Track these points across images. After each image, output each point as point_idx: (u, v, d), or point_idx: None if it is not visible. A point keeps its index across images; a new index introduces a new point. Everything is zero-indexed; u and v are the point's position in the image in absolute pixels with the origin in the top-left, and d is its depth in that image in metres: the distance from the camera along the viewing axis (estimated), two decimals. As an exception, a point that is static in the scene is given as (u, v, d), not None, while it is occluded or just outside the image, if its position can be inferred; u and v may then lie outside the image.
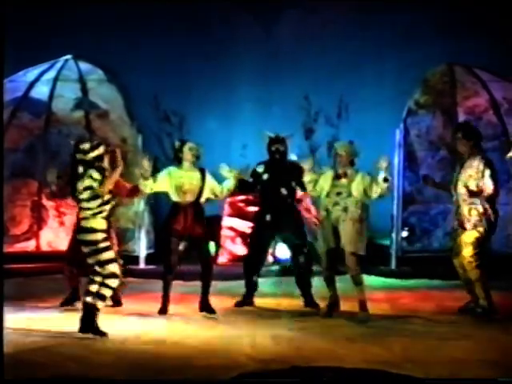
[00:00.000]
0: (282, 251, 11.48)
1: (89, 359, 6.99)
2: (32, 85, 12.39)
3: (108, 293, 7.76)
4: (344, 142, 8.85)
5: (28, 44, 12.48)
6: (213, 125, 12.85)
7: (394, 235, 11.77)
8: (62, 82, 12.49)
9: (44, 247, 12.08)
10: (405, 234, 11.90)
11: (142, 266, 11.98)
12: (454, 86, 12.00)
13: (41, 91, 12.39)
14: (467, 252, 8.39)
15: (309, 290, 9.19)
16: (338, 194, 8.55)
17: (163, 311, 8.65)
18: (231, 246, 12.29)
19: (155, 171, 8.63)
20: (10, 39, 12.09)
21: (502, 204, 11.45)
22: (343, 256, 8.56)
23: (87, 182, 7.70)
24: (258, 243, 9.27)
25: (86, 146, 7.85)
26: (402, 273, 11.28)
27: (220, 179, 8.83)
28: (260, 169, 9.27)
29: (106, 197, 7.76)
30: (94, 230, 7.72)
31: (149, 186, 8.64)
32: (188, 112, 12.76)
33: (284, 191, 9.08)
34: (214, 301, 9.00)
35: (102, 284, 7.72)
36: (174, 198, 8.70)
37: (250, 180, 9.16)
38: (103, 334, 7.63)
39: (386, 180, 8.35)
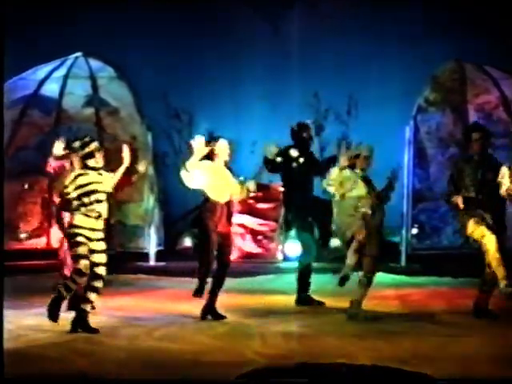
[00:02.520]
0: (292, 249, 11.51)
1: (99, 355, 7.03)
2: (42, 82, 12.43)
3: (73, 286, 7.72)
4: (364, 144, 8.73)
5: (38, 41, 12.52)
6: (222, 122, 12.87)
7: (403, 232, 11.79)
8: (73, 79, 12.53)
9: (55, 244, 12.14)
10: (415, 231, 11.91)
11: (151, 262, 12.02)
12: (463, 84, 11.99)
13: (51, 89, 12.43)
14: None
15: (307, 290, 9.17)
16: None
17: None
18: (241, 243, 12.31)
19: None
20: (20, 37, 12.24)
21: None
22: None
23: (76, 181, 7.66)
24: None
25: (77, 143, 7.85)
26: (411, 270, 11.30)
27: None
28: (294, 153, 9.09)
29: (97, 196, 7.70)
30: (73, 226, 7.70)
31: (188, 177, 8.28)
32: (197, 109, 12.80)
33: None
34: (225, 297, 9.02)
35: (70, 277, 7.75)
36: (210, 195, 8.37)
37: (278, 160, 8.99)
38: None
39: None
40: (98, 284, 7.82)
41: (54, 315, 7.75)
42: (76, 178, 7.74)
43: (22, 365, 6.71)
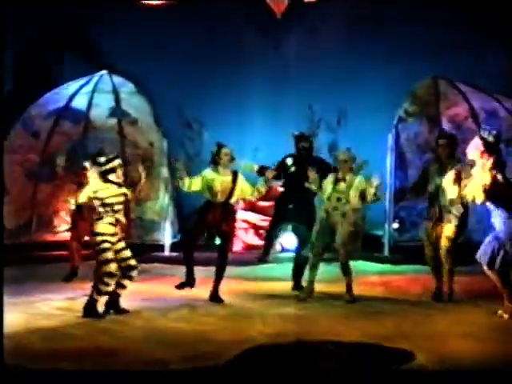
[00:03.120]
0: (289, 241, 11.50)
1: (119, 333, 7.07)
2: (72, 97, 12.42)
3: (104, 289, 7.66)
4: (344, 149, 8.79)
5: (70, 60, 12.54)
6: (228, 130, 12.86)
7: (386, 227, 11.79)
8: (98, 93, 12.52)
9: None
10: (396, 225, 11.90)
11: (166, 253, 12.02)
12: (438, 98, 11.98)
13: (80, 102, 12.43)
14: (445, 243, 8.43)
15: (301, 277, 9.11)
16: (339, 199, 8.50)
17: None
18: (245, 237, 12.32)
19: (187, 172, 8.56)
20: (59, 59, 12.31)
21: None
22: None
23: (99, 193, 7.67)
24: (276, 223, 9.37)
25: (102, 159, 7.77)
26: (393, 259, 11.28)
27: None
28: (289, 161, 9.12)
29: (116, 207, 7.70)
30: (97, 234, 7.68)
31: (186, 185, 8.46)
32: (207, 119, 12.79)
33: (307, 184, 8.83)
34: (230, 283, 9.03)
35: (101, 280, 7.66)
36: (207, 197, 8.51)
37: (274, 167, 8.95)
38: (101, 316, 7.62)
39: (376, 199, 8.44)
40: (133, 273, 7.86)
41: (91, 315, 7.65)
42: (96, 192, 7.73)
43: (53, 341, 6.76)
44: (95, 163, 7.74)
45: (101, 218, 7.67)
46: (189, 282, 8.51)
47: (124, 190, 7.82)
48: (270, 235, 9.60)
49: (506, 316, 7.50)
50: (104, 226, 7.66)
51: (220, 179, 8.48)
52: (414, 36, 12.41)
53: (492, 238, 7.47)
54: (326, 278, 9.29)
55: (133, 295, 8.31)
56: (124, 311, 7.86)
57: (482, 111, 11.72)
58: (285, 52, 13.27)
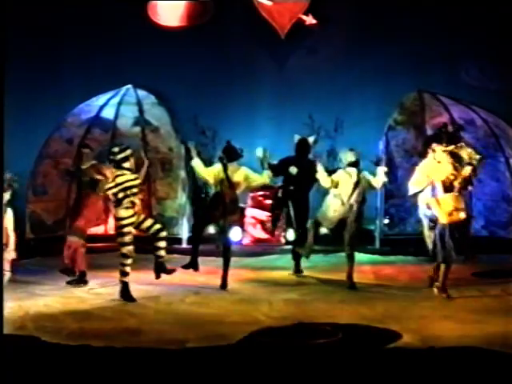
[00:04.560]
0: (292, 235, 11.49)
1: (143, 315, 7.12)
2: (102, 108, 12.42)
3: (125, 269, 7.70)
4: (346, 149, 8.77)
5: (99, 76, 12.57)
6: (237, 137, 12.84)
7: (377, 222, 11.78)
8: (124, 105, 12.52)
9: (110, 231, 12.17)
10: (386, 221, 11.88)
11: (184, 245, 12.04)
12: (423, 108, 11.96)
13: (108, 112, 12.45)
14: None
15: (299, 261, 9.21)
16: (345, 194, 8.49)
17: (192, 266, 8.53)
18: (253, 231, 12.30)
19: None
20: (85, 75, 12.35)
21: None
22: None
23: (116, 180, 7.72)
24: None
25: (116, 149, 7.91)
26: (383, 251, 11.24)
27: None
28: (293, 170, 9.13)
29: (132, 190, 7.76)
30: (119, 219, 7.75)
31: (198, 168, 8.51)
32: (219, 127, 12.77)
33: (305, 184, 8.94)
34: (240, 273, 9.04)
35: (120, 263, 7.76)
36: (214, 188, 8.52)
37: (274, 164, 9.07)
38: (133, 300, 7.65)
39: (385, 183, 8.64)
40: (163, 234, 7.96)
41: (128, 297, 7.69)
42: (116, 177, 7.80)
43: (85, 322, 6.82)
44: (111, 153, 7.83)
45: (120, 204, 7.73)
46: (193, 264, 8.52)
47: (136, 174, 7.93)
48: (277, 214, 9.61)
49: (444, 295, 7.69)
50: (124, 211, 7.73)
51: (228, 172, 8.45)
52: (401, 54, 12.41)
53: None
54: (323, 267, 9.33)
55: (154, 283, 8.36)
56: (172, 271, 7.93)
57: (461, 120, 11.72)
58: (288, 69, 13.28)
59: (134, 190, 7.81)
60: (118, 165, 7.80)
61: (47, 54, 12.51)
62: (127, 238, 7.75)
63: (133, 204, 7.79)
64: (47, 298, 7.80)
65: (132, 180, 7.84)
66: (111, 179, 7.77)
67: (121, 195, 7.73)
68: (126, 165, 7.83)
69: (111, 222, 12.11)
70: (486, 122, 11.80)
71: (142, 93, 12.62)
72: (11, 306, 6.97)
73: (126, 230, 7.74)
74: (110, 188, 7.78)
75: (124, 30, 12.42)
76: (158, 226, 7.92)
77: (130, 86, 12.61)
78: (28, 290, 8.16)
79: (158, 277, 7.97)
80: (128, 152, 7.87)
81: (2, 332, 5.66)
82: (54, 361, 5.64)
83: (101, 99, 12.52)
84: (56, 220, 11.82)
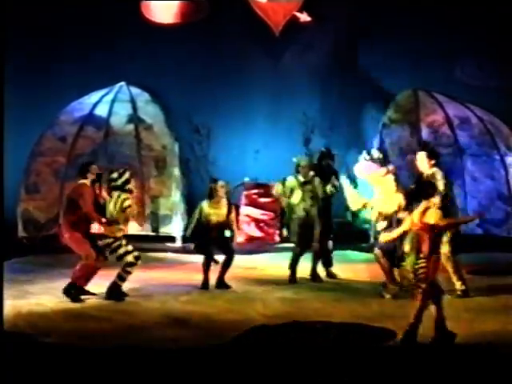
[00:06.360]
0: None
1: (136, 314, 7.07)
2: (95, 105, 12.38)
3: (126, 276, 7.72)
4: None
5: (90, 73, 12.54)
6: (232, 134, 12.86)
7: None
8: (118, 102, 12.48)
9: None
10: (380, 219, 11.89)
11: (178, 244, 12.03)
12: (417, 106, 11.96)
13: (102, 110, 12.40)
14: None
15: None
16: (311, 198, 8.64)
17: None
18: (247, 229, 12.29)
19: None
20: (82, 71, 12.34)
21: (456, 196, 11.57)
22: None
23: (121, 203, 7.70)
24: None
25: (115, 174, 7.85)
26: (378, 249, 11.27)
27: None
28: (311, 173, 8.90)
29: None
30: (112, 236, 7.70)
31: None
32: (214, 125, 12.77)
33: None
34: (234, 271, 8.95)
35: (124, 270, 7.73)
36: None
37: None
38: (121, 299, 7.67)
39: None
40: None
41: (116, 296, 7.70)
42: (124, 200, 7.79)
43: (77, 321, 6.79)
44: (111, 180, 7.80)
45: (115, 222, 7.71)
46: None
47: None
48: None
49: (387, 296, 7.70)
50: (117, 228, 7.72)
51: (216, 213, 8.41)
52: (397, 52, 12.42)
53: None
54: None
55: (148, 281, 8.35)
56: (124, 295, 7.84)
57: (456, 118, 11.74)
58: (283, 66, 13.27)
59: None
60: (121, 189, 7.77)
61: (40, 52, 12.50)
62: (122, 250, 7.72)
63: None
64: (39, 297, 7.78)
65: (130, 199, 7.84)
66: (119, 203, 7.75)
67: (120, 214, 7.73)
68: (129, 186, 7.83)
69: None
70: (481, 119, 11.82)
71: (135, 90, 12.59)
72: (3, 305, 6.94)
73: (119, 243, 7.72)
74: (117, 211, 7.75)
75: (118, 28, 12.40)
76: (131, 259, 7.82)
77: (123, 83, 12.59)
78: (20, 289, 8.13)
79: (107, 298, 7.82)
80: (127, 175, 7.84)
81: (2, 330, 5.68)
82: (45, 360, 5.61)
83: (94, 97, 12.48)
84: (49, 218, 11.79)
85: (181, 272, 8.96)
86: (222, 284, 8.40)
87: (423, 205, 6.06)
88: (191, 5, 12.89)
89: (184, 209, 12.22)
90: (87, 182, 7.84)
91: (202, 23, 12.67)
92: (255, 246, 11.57)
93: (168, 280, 8.79)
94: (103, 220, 7.74)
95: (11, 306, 7.11)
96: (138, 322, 6.76)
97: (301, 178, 8.71)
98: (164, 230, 12.21)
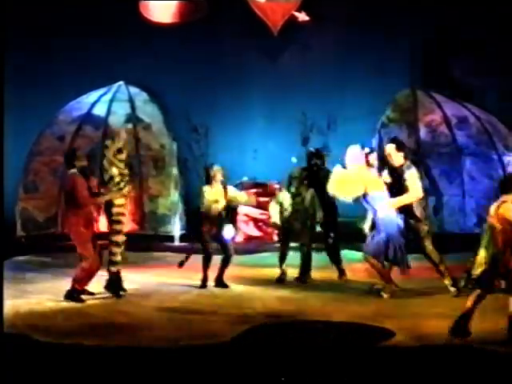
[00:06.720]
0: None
1: (136, 313, 7.07)
2: (93, 105, 12.43)
3: (113, 258, 7.75)
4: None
5: (89, 72, 12.55)
6: (231, 134, 12.88)
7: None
8: (116, 102, 12.53)
9: (101, 229, 12.11)
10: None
11: (176, 243, 12.04)
12: (416, 106, 11.99)
13: (100, 109, 12.43)
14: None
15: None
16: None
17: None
18: (245, 228, 12.31)
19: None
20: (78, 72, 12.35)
21: (454, 195, 11.60)
22: None
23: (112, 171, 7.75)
24: None
25: (109, 141, 7.92)
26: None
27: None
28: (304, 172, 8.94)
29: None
30: (116, 205, 7.75)
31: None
32: (212, 124, 12.78)
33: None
34: (233, 270, 8.98)
35: (110, 252, 7.79)
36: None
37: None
38: (119, 295, 7.70)
39: None
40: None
41: (115, 291, 7.73)
42: (122, 177, 7.81)
43: (74, 320, 6.80)
44: (105, 146, 7.87)
45: (121, 189, 7.75)
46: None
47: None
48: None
49: (386, 295, 7.69)
50: (120, 199, 7.77)
51: (214, 194, 8.42)
52: (395, 51, 12.45)
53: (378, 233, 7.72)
54: (316, 265, 9.31)
55: (147, 280, 8.35)
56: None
57: (454, 118, 11.76)
58: (281, 65, 13.30)
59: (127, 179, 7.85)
60: (117, 153, 7.79)
61: (38, 51, 12.51)
62: (119, 227, 7.75)
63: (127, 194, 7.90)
64: (39, 296, 7.79)
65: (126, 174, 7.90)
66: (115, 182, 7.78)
67: (122, 184, 7.76)
68: (121, 157, 7.83)
69: (102, 220, 12.15)
70: (478, 119, 11.84)
71: (133, 90, 12.62)
72: (3, 305, 6.95)
73: (120, 217, 7.76)
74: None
75: (117, 28, 12.43)
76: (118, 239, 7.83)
77: (121, 82, 12.62)
78: (19, 288, 8.14)
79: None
80: (121, 143, 7.85)
81: (2, 330, 5.68)
82: (45, 359, 5.62)
83: (92, 96, 12.51)
84: (47, 217, 11.81)
85: (179, 271, 8.94)
86: (220, 283, 8.40)
87: (502, 198, 6.03)
88: (189, 4, 12.92)
89: (182, 208, 12.24)
90: (76, 170, 7.79)
91: (200, 23, 12.69)
92: (254, 246, 11.57)
93: (166, 279, 8.79)
94: (102, 190, 7.84)
95: (11, 305, 7.12)
96: (136, 322, 6.77)
97: (293, 190, 8.76)
98: (163, 230, 12.22)
